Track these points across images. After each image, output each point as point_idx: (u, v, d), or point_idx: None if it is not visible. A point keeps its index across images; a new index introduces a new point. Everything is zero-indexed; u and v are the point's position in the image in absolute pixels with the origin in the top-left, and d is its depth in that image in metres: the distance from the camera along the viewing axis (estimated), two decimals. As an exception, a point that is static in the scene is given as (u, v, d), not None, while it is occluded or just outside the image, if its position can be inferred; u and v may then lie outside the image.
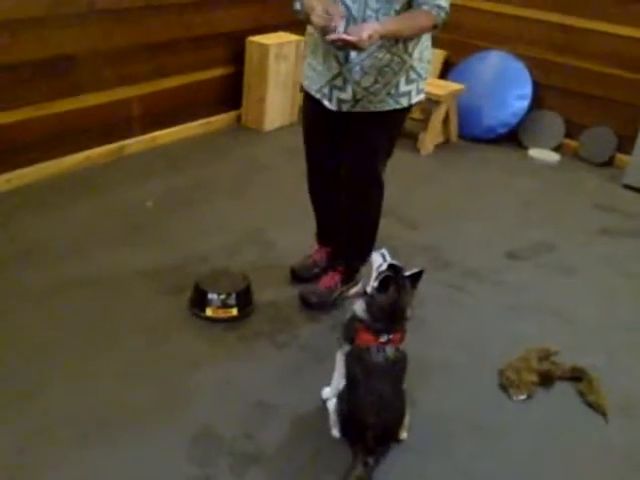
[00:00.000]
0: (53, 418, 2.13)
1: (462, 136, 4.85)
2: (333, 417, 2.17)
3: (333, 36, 2.12)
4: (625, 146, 4.49)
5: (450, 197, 3.99)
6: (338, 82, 2.40)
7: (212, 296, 2.66)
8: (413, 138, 4.68)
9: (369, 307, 2.08)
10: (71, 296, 2.72)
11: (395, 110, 2.46)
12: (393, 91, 2.40)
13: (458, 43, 5.10)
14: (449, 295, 2.99)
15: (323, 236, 2.99)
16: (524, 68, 4.78)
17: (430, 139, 4.56)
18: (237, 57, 4.53)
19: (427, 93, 4.45)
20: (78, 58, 3.64)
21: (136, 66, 3.99)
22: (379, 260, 2.14)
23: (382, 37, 2.17)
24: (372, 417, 2.01)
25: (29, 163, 3.59)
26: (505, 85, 4.79)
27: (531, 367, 2.47)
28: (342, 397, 2.13)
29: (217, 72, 4.54)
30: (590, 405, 2.40)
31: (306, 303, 2.79)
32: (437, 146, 4.65)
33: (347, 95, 2.41)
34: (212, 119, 4.60)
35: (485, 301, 2.98)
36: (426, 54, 2.45)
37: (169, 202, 3.54)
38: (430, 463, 2.11)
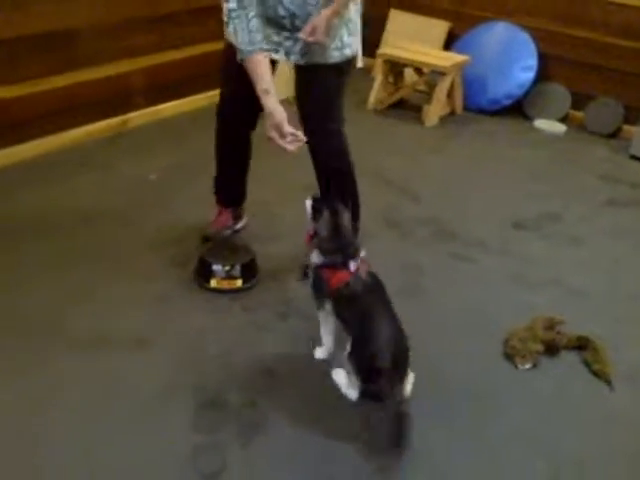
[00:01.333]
0: (61, 386, 2.15)
1: (467, 108, 4.80)
2: (344, 382, 2.15)
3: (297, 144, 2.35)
4: (632, 117, 4.45)
5: (454, 169, 3.96)
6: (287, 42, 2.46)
7: (217, 267, 2.65)
8: (417, 110, 4.65)
9: (320, 246, 2.17)
10: (76, 269, 2.72)
11: (341, 62, 2.49)
12: (339, 44, 2.44)
13: (462, 14, 5.03)
14: (453, 265, 2.98)
15: (226, 195, 2.97)
16: (529, 39, 4.71)
17: (434, 111, 4.52)
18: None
19: (432, 65, 4.48)
20: (78, 32, 3.62)
21: (138, 39, 3.96)
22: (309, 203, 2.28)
23: (333, 18, 2.31)
24: (390, 344, 2.02)
25: (29, 138, 3.57)
26: (510, 56, 4.73)
27: (536, 336, 2.46)
28: (354, 351, 2.08)
29: (221, 44, 4.47)
30: (595, 374, 2.40)
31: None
32: (442, 118, 4.61)
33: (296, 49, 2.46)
34: (215, 92, 4.54)
35: (490, 271, 2.96)
36: (359, 7, 2.51)
37: (172, 175, 3.53)
38: (432, 431, 2.10)
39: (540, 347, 2.45)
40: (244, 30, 2.24)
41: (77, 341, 2.34)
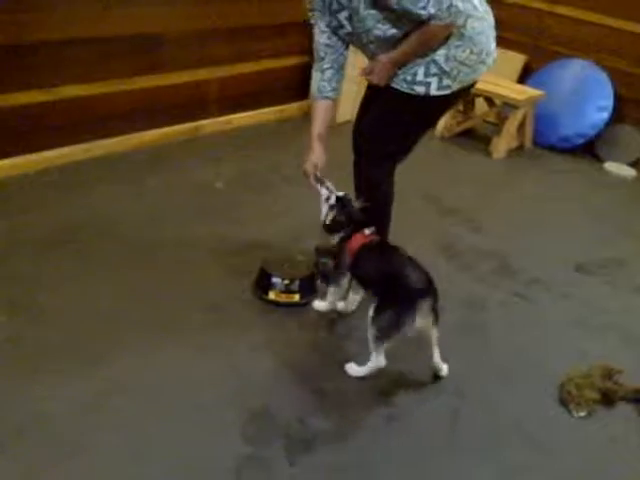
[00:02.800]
0: (115, 386, 2.19)
1: (536, 143, 4.75)
2: (374, 345, 2.29)
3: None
4: None
5: (519, 204, 3.91)
6: None
7: (276, 280, 2.69)
8: (485, 141, 4.62)
9: (335, 224, 2.50)
10: (140, 269, 2.79)
11: (409, 95, 2.43)
12: (410, 78, 2.40)
13: (540, 49, 4.99)
14: (513, 303, 2.94)
15: None
16: (607, 79, 4.64)
17: (503, 143, 4.49)
18: (315, 46, 4.55)
19: (505, 97, 4.45)
20: (164, 37, 3.73)
21: (218, 49, 4.06)
22: (325, 192, 2.53)
23: (393, 66, 2.36)
24: (421, 278, 2.26)
25: (109, 135, 3.70)
26: (585, 95, 4.66)
27: (594, 384, 2.41)
28: (381, 309, 2.26)
29: (294, 60, 4.56)
30: (652, 429, 2.34)
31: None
32: (510, 151, 4.57)
33: None
34: (285, 107, 4.63)
35: (550, 312, 2.92)
36: (460, 54, 2.35)
37: (239, 184, 3.60)
38: (481, 466, 2.09)
39: (596, 396, 2.39)
40: (317, 79, 2.52)
41: (133, 340, 2.40)
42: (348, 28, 2.37)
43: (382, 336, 2.25)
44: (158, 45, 3.72)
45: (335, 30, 2.41)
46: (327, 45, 2.45)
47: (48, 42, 3.24)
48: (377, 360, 2.30)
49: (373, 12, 2.24)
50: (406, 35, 2.29)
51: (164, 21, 3.68)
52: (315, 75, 2.52)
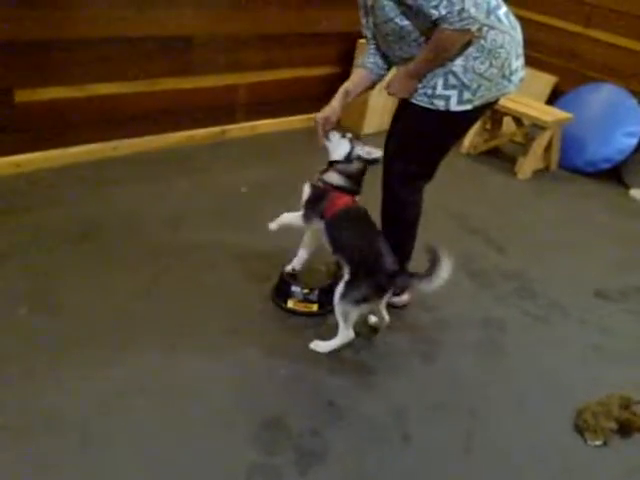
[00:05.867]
0: (131, 385, 2.19)
1: (562, 166, 4.72)
2: (342, 317, 2.45)
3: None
4: None
5: (543, 226, 3.89)
6: None
7: (295, 289, 2.68)
8: (511, 161, 4.60)
9: (347, 169, 2.52)
10: (160, 269, 2.80)
11: (430, 110, 2.41)
12: (430, 92, 2.39)
13: (571, 71, 4.97)
14: (532, 326, 2.92)
15: None
16: (637, 105, 4.60)
17: (529, 164, 4.46)
18: (345, 57, 4.56)
19: (533, 118, 4.42)
20: (195, 40, 3.75)
21: (248, 54, 4.08)
22: (345, 144, 2.55)
23: (411, 77, 2.38)
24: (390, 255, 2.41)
25: (136, 134, 3.73)
26: (614, 120, 4.62)
27: (611, 413, 2.37)
28: (352, 280, 2.42)
29: (324, 70, 4.58)
30: (668, 463, 2.30)
31: None
32: (535, 172, 4.54)
33: None
34: (312, 116, 4.62)
35: (569, 337, 2.89)
36: (478, 66, 2.33)
37: (263, 191, 3.60)
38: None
39: (613, 425, 2.36)
40: (366, 52, 2.61)
41: (150, 340, 2.40)
42: (371, 17, 2.43)
43: (350, 311, 2.43)
44: (189, 48, 3.75)
45: (366, 16, 2.49)
46: (367, 33, 2.55)
47: (81, 40, 3.28)
48: (347, 334, 2.47)
49: (391, 3, 2.25)
50: (422, 36, 2.30)
51: (196, 24, 3.71)
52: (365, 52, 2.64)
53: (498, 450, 2.22)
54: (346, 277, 2.46)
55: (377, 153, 2.52)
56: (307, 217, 2.57)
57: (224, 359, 2.38)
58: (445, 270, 2.26)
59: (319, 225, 2.55)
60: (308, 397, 2.29)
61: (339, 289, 2.44)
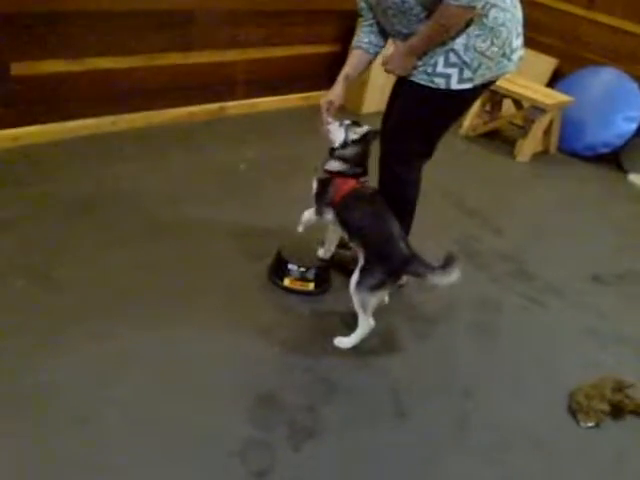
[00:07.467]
0: (127, 359, 2.20)
1: (560, 149, 4.72)
2: (361, 306, 2.38)
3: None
4: None
5: (540, 208, 3.89)
6: None
7: (292, 267, 2.68)
8: (510, 143, 4.59)
9: (344, 154, 2.52)
10: (157, 245, 2.79)
11: (430, 88, 2.39)
12: (430, 70, 2.37)
13: (572, 54, 4.95)
14: (527, 308, 2.93)
15: None
16: (638, 90, 4.59)
17: (528, 147, 4.46)
18: (345, 36, 4.52)
19: (533, 100, 4.40)
20: (196, 15, 3.71)
21: (248, 31, 4.04)
22: (341, 131, 2.55)
23: (411, 54, 2.36)
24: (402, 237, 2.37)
25: (134, 109, 3.70)
26: (614, 104, 4.62)
27: (603, 396, 2.39)
28: (366, 266, 2.37)
29: (324, 48, 4.55)
30: (660, 445, 2.32)
31: None
32: (534, 155, 4.53)
33: None
34: (311, 94, 4.61)
35: (564, 320, 2.90)
36: (479, 45, 2.30)
37: (261, 168, 3.59)
38: (487, 468, 2.08)
39: (606, 407, 2.38)
40: (357, 33, 2.63)
41: (146, 315, 2.40)
42: None
43: (367, 300, 2.36)
44: (189, 23, 3.71)
45: None
46: (362, 8, 2.54)
47: (80, 13, 3.23)
48: (368, 323, 2.41)
49: None
50: (424, 11, 2.26)
51: (194, -1, 3.67)
52: (357, 29, 2.64)
53: (492, 429, 2.23)
54: (361, 263, 2.41)
55: (363, 128, 2.54)
56: (319, 210, 2.60)
57: (220, 335, 2.39)
58: (456, 272, 2.24)
59: (331, 215, 2.56)
60: (303, 374, 2.30)
61: (354, 277, 2.39)
